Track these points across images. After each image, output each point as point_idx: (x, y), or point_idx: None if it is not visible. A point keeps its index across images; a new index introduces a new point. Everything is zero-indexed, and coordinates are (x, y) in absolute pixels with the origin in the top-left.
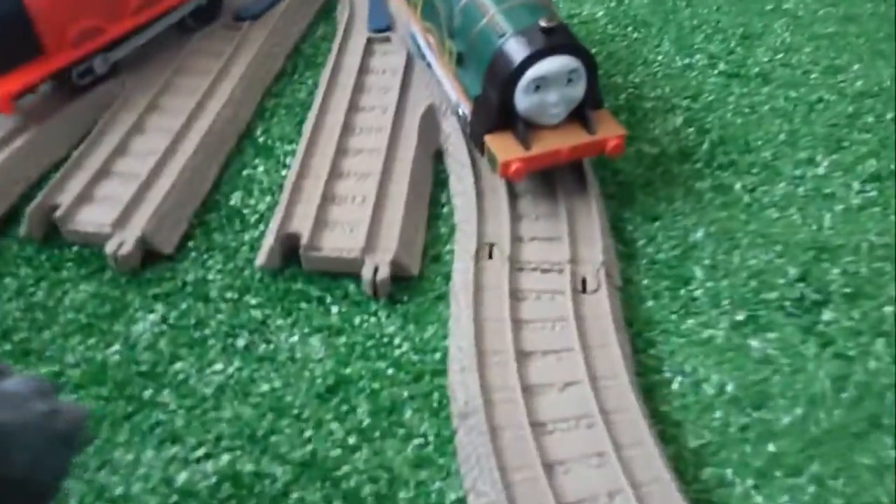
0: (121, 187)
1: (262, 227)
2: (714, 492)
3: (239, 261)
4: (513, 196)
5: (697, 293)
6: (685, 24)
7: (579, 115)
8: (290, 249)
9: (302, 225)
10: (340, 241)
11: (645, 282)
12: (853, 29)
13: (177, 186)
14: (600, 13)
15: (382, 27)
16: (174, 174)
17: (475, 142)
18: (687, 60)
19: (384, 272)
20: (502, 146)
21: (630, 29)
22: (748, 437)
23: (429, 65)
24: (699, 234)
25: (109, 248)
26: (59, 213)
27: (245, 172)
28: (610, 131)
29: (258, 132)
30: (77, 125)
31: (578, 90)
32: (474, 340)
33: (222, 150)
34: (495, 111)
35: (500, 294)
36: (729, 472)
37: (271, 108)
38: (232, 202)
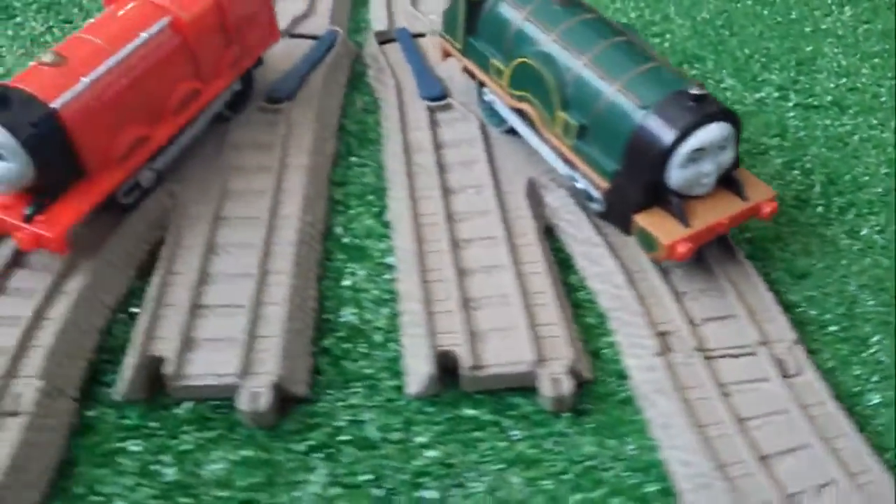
0: (225, 324)
1: (392, 345)
2: None
3: (384, 391)
4: (664, 273)
5: (880, 356)
6: (738, 55)
7: (726, 180)
8: (445, 370)
9: (453, 339)
10: (505, 354)
11: (825, 352)
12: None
13: (289, 314)
14: None
15: (438, 95)
16: (280, 299)
17: (617, 222)
18: (757, 95)
19: (567, 384)
20: (660, 226)
21: (686, 66)
22: None
23: (510, 131)
24: (852, 286)
25: (243, 402)
26: (168, 368)
27: (345, 283)
28: (760, 194)
29: (339, 231)
30: (132, 251)
31: (730, 155)
32: (702, 452)
33: (314, 260)
34: (643, 188)
35: (704, 390)
36: None
37: (342, 200)
38: (345, 320)
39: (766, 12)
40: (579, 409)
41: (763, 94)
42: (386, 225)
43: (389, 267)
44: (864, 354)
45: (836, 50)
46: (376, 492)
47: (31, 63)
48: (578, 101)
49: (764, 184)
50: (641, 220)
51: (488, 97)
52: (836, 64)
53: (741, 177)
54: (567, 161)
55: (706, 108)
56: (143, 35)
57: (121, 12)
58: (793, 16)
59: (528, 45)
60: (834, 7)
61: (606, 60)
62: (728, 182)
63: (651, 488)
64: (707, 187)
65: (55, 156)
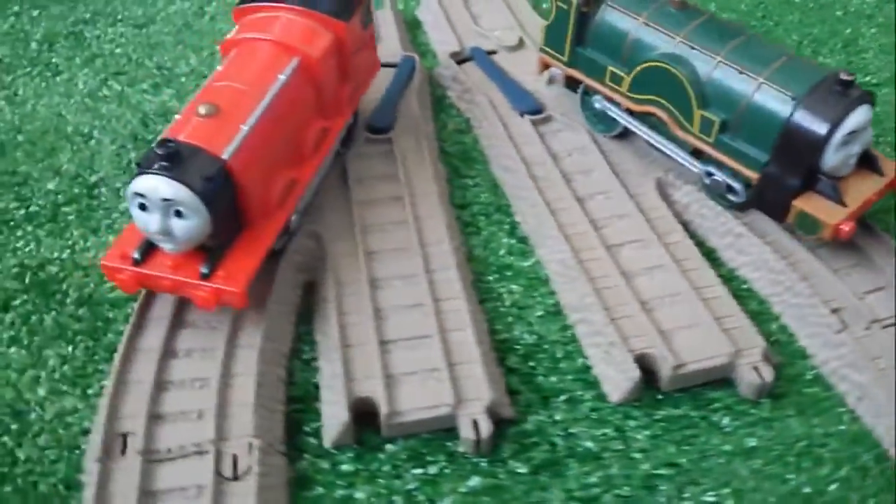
0: (416, 356)
1: (577, 357)
2: None
3: (585, 402)
4: (812, 251)
5: None
6: (789, 42)
7: (863, 158)
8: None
9: (645, 342)
10: (701, 349)
11: None
12: None
13: (477, 338)
14: None
15: (536, 108)
16: (461, 325)
17: (768, 209)
18: None
19: (768, 372)
20: (821, 208)
21: None
22: None
23: (618, 137)
24: None
25: (465, 431)
26: (383, 407)
27: (506, 302)
28: (890, 169)
29: (479, 252)
30: (290, 297)
31: (870, 134)
32: None
33: (470, 282)
34: (799, 175)
35: (890, 359)
36: None
37: (471, 221)
38: (519, 338)
39: (797, 0)
40: (775, 393)
41: None
42: (523, 240)
43: (543, 281)
44: None
45: (872, 30)
46: (614, 501)
47: (177, 117)
48: (718, 99)
49: (887, 158)
50: (802, 204)
51: (600, 105)
52: (877, 43)
53: (873, 152)
54: (702, 157)
55: (853, 93)
56: (281, 77)
57: (248, 55)
58: (822, 0)
59: (653, 49)
60: None
61: (741, 57)
62: (864, 158)
63: (867, 457)
64: (851, 167)
65: (227, 208)
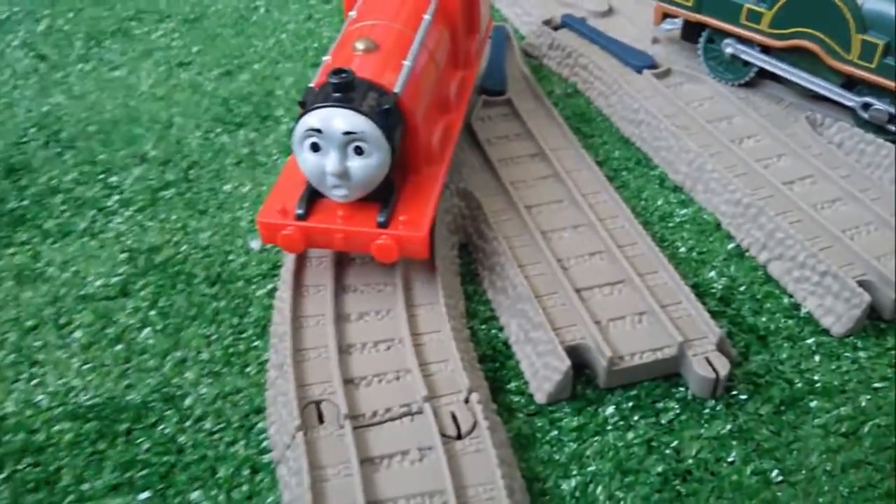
0: (619, 300)
1: (779, 296)
2: None
3: (806, 340)
4: None
5: None
6: None
7: None
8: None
9: (863, 268)
10: None
11: None
12: None
13: (673, 280)
14: None
15: (652, 63)
16: (659, 267)
17: None
18: None
19: None
20: None
21: None
22: None
23: (746, 84)
24: None
25: (700, 369)
26: (605, 352)
27: (684, 248)
28: None
29: (635, 203)
30: (451, 255)
31: None
32: None
33: (642, 228)
34: None
35: None
36: None
37: (613, 176)
38: (713, 280)
39: None
40: None
41: None
42: (676, 189)
43: (715, 226)
44: None
45: None
46: (876, 431)
47: (326, 58)
48: (879, 21)
49: None
50: None
51: (732, 49)
52: None
53: None
54: (855, 88)
55: None
56: (426, 17)
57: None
58: None
59: None
60: None
61: None
62: None
63: None
64: None
65: (401, 150)
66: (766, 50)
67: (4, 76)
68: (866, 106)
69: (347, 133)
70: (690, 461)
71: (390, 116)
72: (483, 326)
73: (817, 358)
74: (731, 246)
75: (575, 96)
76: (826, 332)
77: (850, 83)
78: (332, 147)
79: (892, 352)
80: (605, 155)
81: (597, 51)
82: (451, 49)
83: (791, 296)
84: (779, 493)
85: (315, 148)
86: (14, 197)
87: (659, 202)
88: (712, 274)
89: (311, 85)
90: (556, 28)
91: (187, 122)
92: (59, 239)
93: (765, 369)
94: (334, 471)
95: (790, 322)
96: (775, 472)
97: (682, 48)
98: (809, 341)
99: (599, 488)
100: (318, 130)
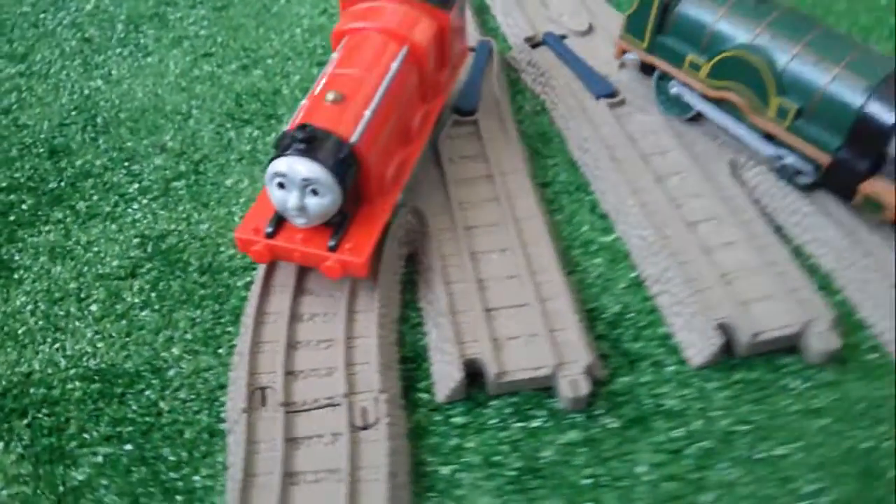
0: (519, 322)
1: (658, 325)
2: None
3: (668, 366)
4: (877, 230)
5: None
6: (840, 27)
7: None
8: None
9: (725, 311)
10: (774, 319)
11: None
12: None
13: (573, 306)
14: None
15: (612, 91)
16: (561, 292)
17: (838, 191)
18: None
19: (834, 341)
20: (887, 192)
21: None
22: None
23: (691, 120)
24: None
25: (565, 390)
26: (491, 368)
27: (593, 273)
28: None
29: (564, 227)
30: (397, 267)
31: None
32: None
33: (560, 255)
34: (868, 161)
35: None
36: None
37: (553, 199)
38: (605, 308)
39: None
40: (839, 359)
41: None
42: (603, 217)
43: (625, 255)
44: None
45: None
46: (696, 452)
47: (303, 102)
48: (796, 88)
49: None
50: (869, 187)
51: (676, 89)
52: None
53: None
54: (773, 141)
55: None
56: (394, 65)
57: (361, 45)
58: None
59: (733, 40)
60: None
61: (818, 48)
62: None
63: None
64: None
65: (354, 187)
66: (704, 95)
67: (54, 55)
68: (779, 157)
69: (305, 179)
70: (543, 462)
71: (344, 164)
72: (412, 331)
73: (672, 384)
74: (632, 275)
75: (541, 114)
76: (685, 362)
77: (769, 134)
78: (294, 187)
79: (736, 385)
80: (552, 177)
81: (567, 73)
82: (418, 86)
83: (667, 327)
84: (604, 493)
85: (281, 185)
86: (54, 177)
87: (585, 228)
88: (610, 300)
89: (286, 129)
90: (535, 45)
91: (203, 115)
92: (86, 220)
93: (626, 390)
94: (265, 445)
95: (660, 350)
96: (606, 477)
97: (644, 76)
98: (670, 369)
99: (466, 475)
100: (284, 174)
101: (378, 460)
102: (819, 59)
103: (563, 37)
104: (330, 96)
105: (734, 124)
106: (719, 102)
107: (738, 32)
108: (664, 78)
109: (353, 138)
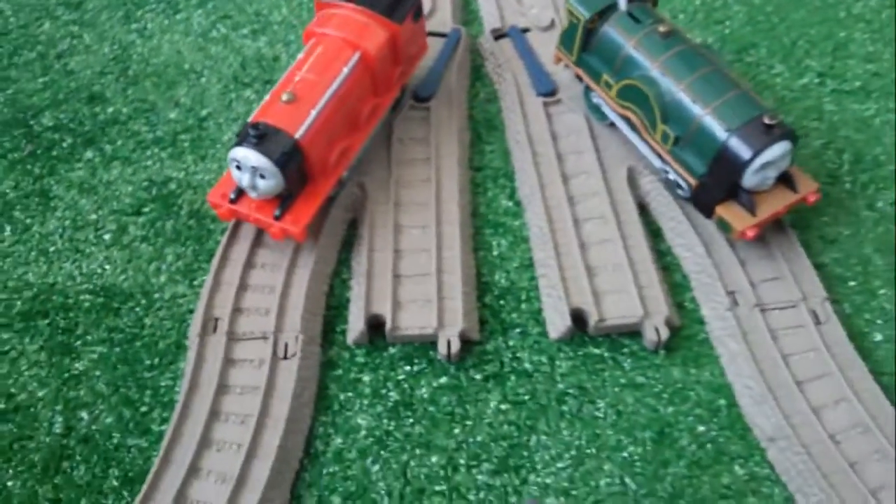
0: (418, 289)
1: (534, 301)
2: None
3: (532, 335)
4: (730, 244)
5: (886, 305)
6: (785, 41)
7: (783, 177)
8: (576, 320)
9: (582, 298)
10: (620, 309)
11: (845, 302)
12: None
13: (464, 279)
14: (711, 39)
15: (551, 90)
16: (456, 268)
17: (703, 211)
18: (801, 81)
19: (664, 332)
20: (735, 215)
21: (743, 53)
22: None
23: (611, 125)
24: (868, 249)
25: (441, 347)
26: (388, 323)
27: (494, 253)
28: (807, 185)
29: (483, 209)
30: (337, 232)
31: (788, 161)
32: (760, 378)
33: (469, 235)
34: (723, 188)
35: (760, 335)
36: None
37: (481, 183)
38: (497, 282)
39: None
40: (670, 346)
41: (806, 80)
42: (518, 204)
43: (525, 239)
44: (872, 303)
45: (864, 35)
46: (533, 406)
47: (267, 97)
48: (676, 118)
49: (809, 177)
50: (722, 211)
51: (596, 99)
52: (864, 50)
53: (793, 173)
54: (661, 158)
55: (774, 132)
56: (345, 70)
57: (321, 49)
58: (830, 0)
59: (636, 69)
60: None
61: (699, 88)
62: (784, 178)
63: (722, 402)
64: (769, 185)
65: (296, 172)
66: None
67: (103, 4)
68: (665, 171)
69: (255, 166)
70: (416, 398)
71: (287, 156)
72: (342, 284)
73: (530, 350)
74: (526, 257)
75: (493, 102)
76: (546, 335)
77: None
78: (246, 171)
79: (580, 357)
80: (486, 163)
81: (520, 66)
82: (369, 84)
83: (539, 304)
84: (454, 427)
85: (238, 167)
86: (89, 121)
87: (500, 212)
88: (502, 276)
89: (249, 119)
90: (499, 37)
91: (213, 75)
92: (110, 162)
93: (494, 350)
94: (209, 362)
95: (530, 322)
96: (461, 415)
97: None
98: (532, 338)
99: (357, 401)
100: (239, 160)
101: (288, 384)
102: (696, 98)
103: (526, 30)
104: (284, 97)
105: (635, 138)
106: (625, 117)
107: (642, 62)
108: (589, 87)
109: (298, 134)
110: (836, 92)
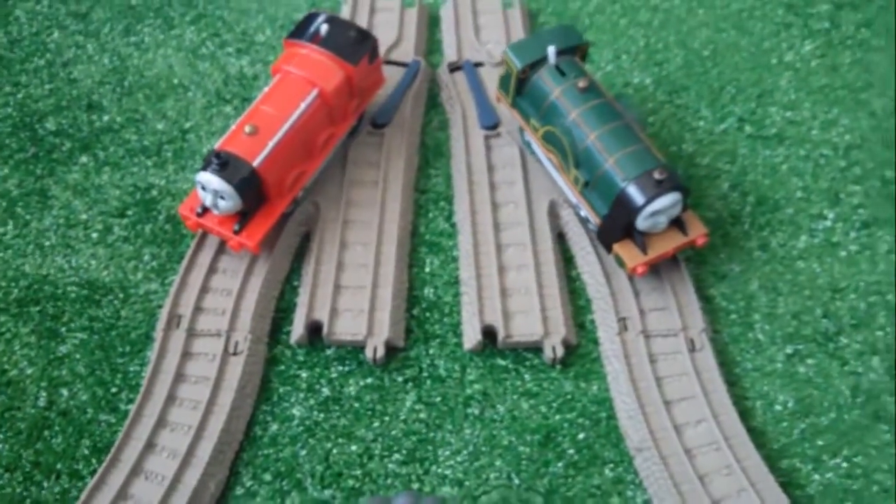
0: (358, 300)
1: (455, 315)
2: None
3: (450, 346)
4: (629, 275)
5: (760, 336)
6: (714, 86)
7: (676, 221)
8: (487, 335)
9: (494, 316)
10: (526, 328)
11: (725, 331)
12: (838, 80)
13: (394, 293)
14: (648, 80)
15: (493, 124)
16: (389, 283)
17: (604, 246)
18: (722, 126)
19: (560, 350)
20: (628, 253)
21: (674, 95)
22: (805, 437)
23: (538, 159)
24: (754, 286)
25: (368, 352)
26: (325, 329)
27: (426, 269)
28: (697, 230)
29: (422, 230)
30: (291, 243)
31: (678, 209)
32: (634, 395)
33: (406, 253)
34: (620, 229)
35: (640, 359)
36: (797, 461)
37: (423, 205)
38: (425, 296)
39: (744, 42)
40: (567, 362)
41: (726, 124)
42: (453, 226)
43: (455, 259)
44: (749, 335)
45: (790, 83)
46: (443, 407)
47: (233, 126)
48: (586, 165)
49: (700, 222)
50: (618, 248)
51: (527, 138)
52: (787, 98)
53: (686, 218)
54: (575, 196)
55: (665, 185)
56: (302, 105)
57: (284, 84)
58: (765, 46)
59: (557, 117)
60: (797, 40)
61: (606, 139)
62: (677, 221)
63: (603, 414)
64: (661, 229)
65: (254, 194)
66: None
67: (107, 16)
68: (579, 208)
69: (216, 190)
70: (344, 394)
71: (245, 181)
72: (292, 290)
73: (446, 359)
74: (454, 275)
75: (444, 130)
76: (461, 345)
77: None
78: (209, 192)
79: (487, 367)
80: (430, 186)
81: (469, 99)
82: (325, 116)
83: (459, 318)
84: (374, 421)
85: (203, 188)
86: (86, 128)
87: (437, 232)
88: (430, 292)
89: (216, 147)
90: (454, 69)
91: (198, 90)
92: (102, 167)
93: (415, 357)
94: (171, 354)
95: (449, 334)
96: (380, 411)
97: None
98: (449, 348)
99: (294, 394)
100: (203, 184)
101: (234, 376)
102: (603, 148)
103: (479, 64)
104: (247, 129)
105: (556, 175)
106: (549, 157)
107: (562, 111)
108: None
109: (256, 163)
110: (751, 137)
